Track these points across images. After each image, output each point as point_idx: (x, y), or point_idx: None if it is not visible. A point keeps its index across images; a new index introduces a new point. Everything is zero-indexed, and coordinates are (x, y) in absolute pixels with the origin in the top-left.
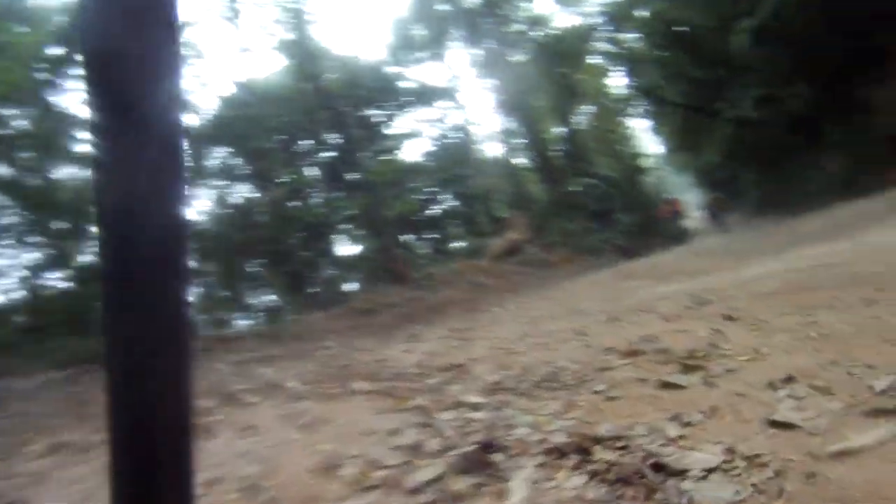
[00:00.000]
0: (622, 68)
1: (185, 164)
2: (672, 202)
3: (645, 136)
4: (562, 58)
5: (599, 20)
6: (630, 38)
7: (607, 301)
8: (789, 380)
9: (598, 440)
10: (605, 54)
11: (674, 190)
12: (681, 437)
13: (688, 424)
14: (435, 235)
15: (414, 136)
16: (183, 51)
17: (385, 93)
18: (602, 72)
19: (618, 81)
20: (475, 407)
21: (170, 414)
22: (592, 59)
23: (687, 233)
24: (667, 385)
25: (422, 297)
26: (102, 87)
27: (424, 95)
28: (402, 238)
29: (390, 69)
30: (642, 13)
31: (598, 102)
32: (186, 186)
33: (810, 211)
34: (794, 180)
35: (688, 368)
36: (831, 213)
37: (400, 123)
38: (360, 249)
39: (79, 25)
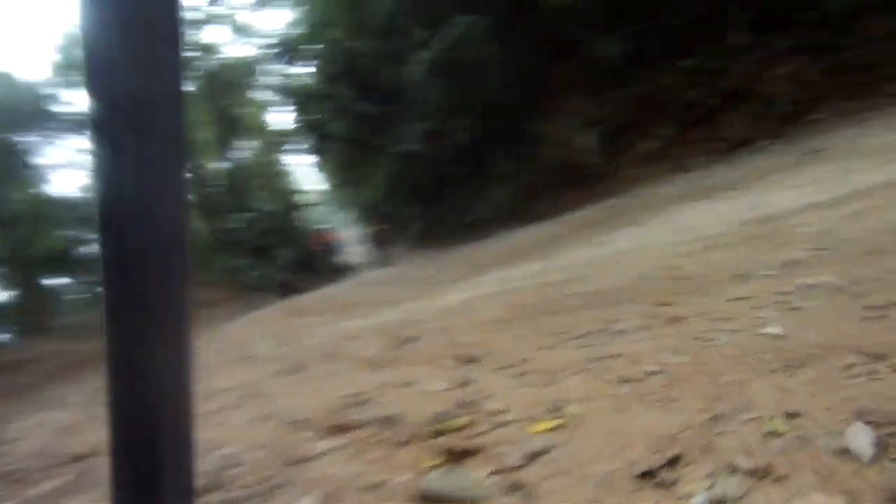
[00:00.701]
0: (290, 101)
1: (186, 164)
2: (324, 233)
3: (310, 171)
4: (226, 89)
5: (271, 51)
6: (301, 71)
7: (283, 342)
8: (676, 462)
9: None
10: (274, 87)
11: (335, 223)
12: None
13: None
14: (89, 278)
15: (70, 167)
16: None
17: (39, 116)
18: (268, 105)
19: (285, 115)
20: None
21: (171, 412)
22: (260, 92)
23: (349, 266)
24: (431, 501)
25: (72, 350)
26: (103, 86)
27: (82, 122)
28: (51, 281)
29: (48, 90)
30: (316, 46)
31: (262, 136)
32: (187, 188)
33: (480, 239)
34: (462, 211)
35: (454, 457)
36: (508, 238)
37: (54, 152)
38: (4, 294)
39: (79, 23)
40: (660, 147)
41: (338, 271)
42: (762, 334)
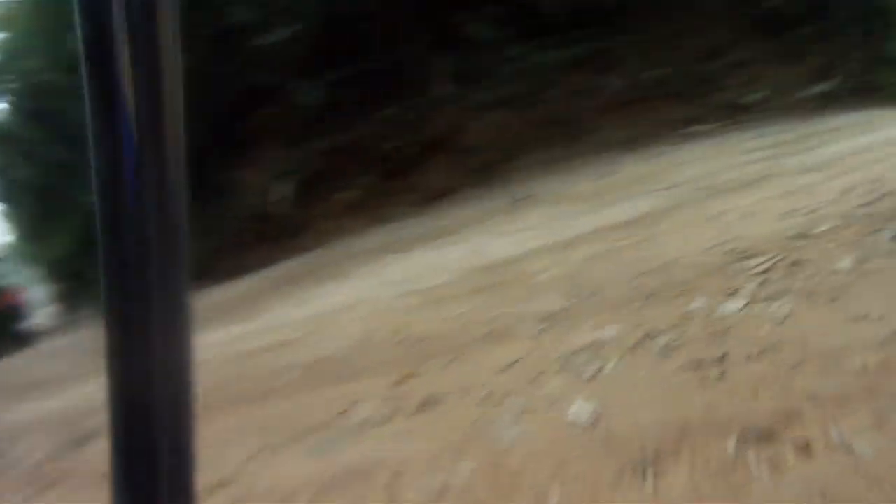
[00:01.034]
0: None
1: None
2: (9, 293)
3: None
4: None
5: None
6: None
7: None
8: None
9: None
10: None
11: (22, 282)
12: None
13: None
14: None
15: None
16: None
17: None
18: None
19: None
20: None
21: (171, 413)
22: None
23: (34, 332)
24: None
25: None
26: (101, 85)
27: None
28: None
29: None
30: (11, 78)
31: None
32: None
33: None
34: None
35: None
36: (200, 297)
37: None
38: None
39: (77, 22)
40: (360, 197)
41: (22, 338)
42: (570, 419)
